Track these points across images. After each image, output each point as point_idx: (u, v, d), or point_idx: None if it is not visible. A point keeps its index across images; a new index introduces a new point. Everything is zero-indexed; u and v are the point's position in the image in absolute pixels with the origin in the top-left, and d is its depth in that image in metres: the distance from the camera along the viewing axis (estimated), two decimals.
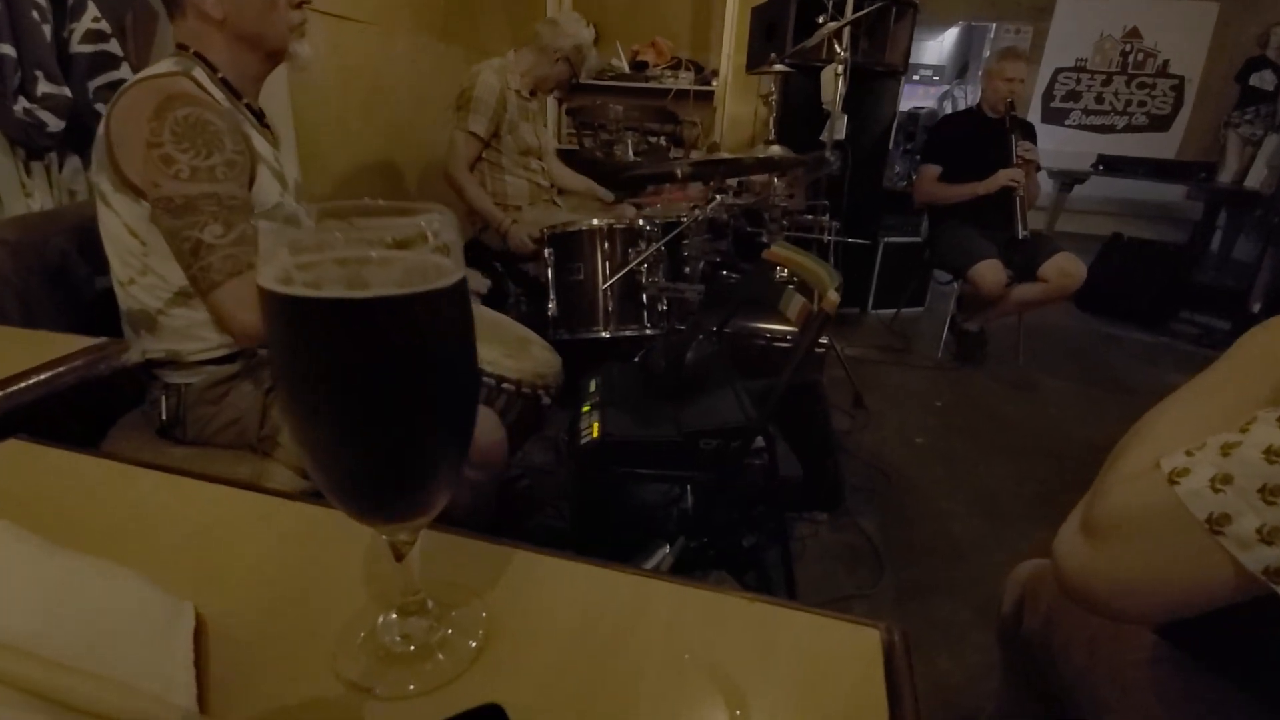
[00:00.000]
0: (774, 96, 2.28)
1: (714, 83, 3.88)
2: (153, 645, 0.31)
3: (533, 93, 2.45)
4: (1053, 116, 5.45)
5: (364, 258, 0.23)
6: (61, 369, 0.64)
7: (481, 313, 1.53)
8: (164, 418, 1.10)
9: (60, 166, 1.67)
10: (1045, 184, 4.61)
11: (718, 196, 1.81)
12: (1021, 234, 2.83)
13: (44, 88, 1.46)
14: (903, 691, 0.33)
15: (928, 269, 3.42)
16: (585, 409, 1.30)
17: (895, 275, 3.52)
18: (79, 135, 1.58)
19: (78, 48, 1.55)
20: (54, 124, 1.50)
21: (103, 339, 0.69)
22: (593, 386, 1.39)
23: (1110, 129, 5.39)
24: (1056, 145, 5.26)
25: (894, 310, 3.51)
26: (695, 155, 3.63)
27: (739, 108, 3.90)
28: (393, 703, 0.31)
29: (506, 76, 2.32)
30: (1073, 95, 5.40)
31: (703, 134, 3.94)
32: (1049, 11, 5.25)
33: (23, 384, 0.59)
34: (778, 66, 2.50)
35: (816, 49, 2.68)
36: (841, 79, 2.44)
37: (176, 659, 0.31)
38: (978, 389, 2.81)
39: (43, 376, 0.62)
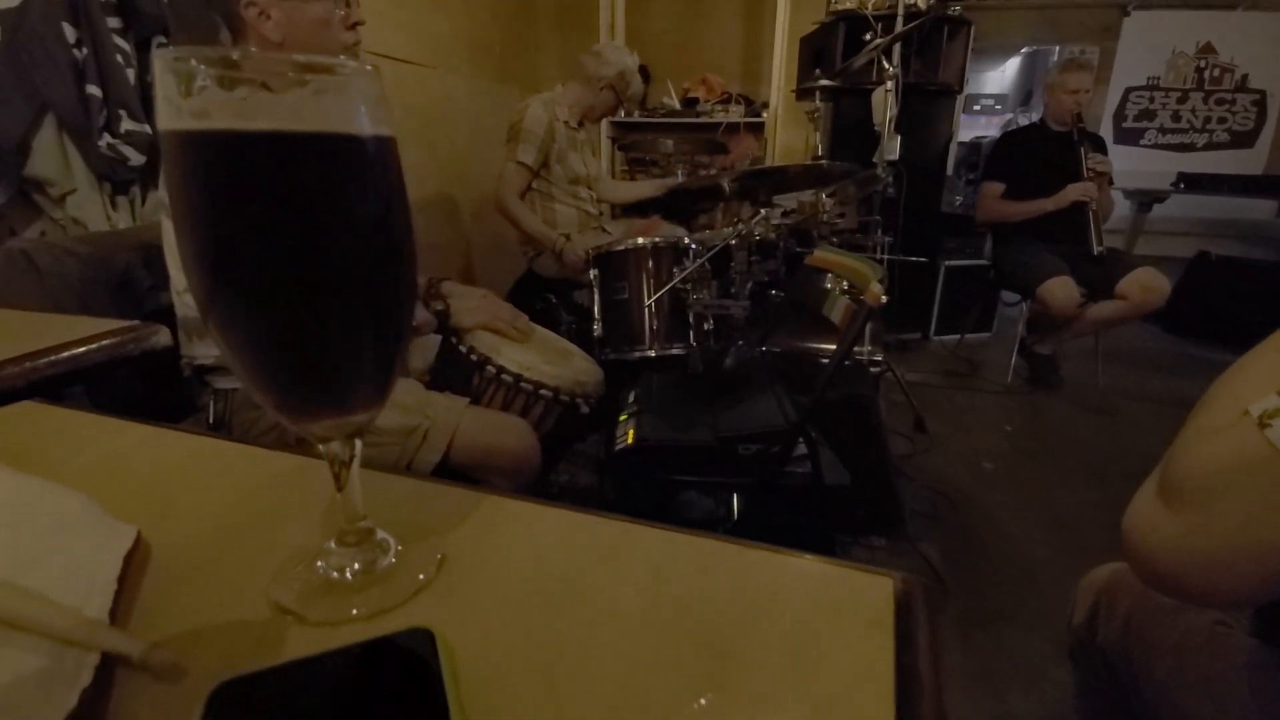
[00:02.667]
0: (819, 114, 2.26)
1: (764, 114, 3.89)
2: (77, 556, 0.29)
3: (581, 123, 2.51)
4: (1126, 137, 5.18)
5: (264, 90, 0.21)
6: (91, 347, 0.65)
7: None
8: (211, 420, 1.14)
9: (143, 200, 1.80)
10: (1122, 205, 4.37)
11: (762, 211, 1.77)
12: (1097, 250, 2.66)
13: (127, 125, 1.58)
14: (916, 641, 0.28)
15: (994, 291, 3.26)
16: (622, 418, 1.27)
17: (958, 299, 3.37)
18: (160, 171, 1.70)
19: None
20: (135, 158, 1.62)
21: (134, 323, 0.71)
22: (631, 397, 1.36)
23: (1190, 147, 5.07)
24: (1132, 165, 5.00)
25: (958, 335, 3.35)
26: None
27: (790, 137, 3.89)
28: (319, 628, 0.28)
29: (554, 109, 2.39)
30: (1146, 114, 5.13)
31: (754, 164, 3.94)
32: (1115, 31, 5.04)
33: (46, 359, 0.61)
34: (823, 82, 2.48)
35: (867, 70, 2.65)
36: (891, 98, 2.39)
37: (102, 572, 0.28)
38: (1052, 413, 2.63)
39: (71, 353, 0.63)
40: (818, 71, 2.54)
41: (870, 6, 2.84)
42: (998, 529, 1.79)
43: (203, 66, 0.21)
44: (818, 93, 2.73)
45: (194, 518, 0.36)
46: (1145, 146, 5.17)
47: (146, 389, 1.21)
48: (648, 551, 0.34)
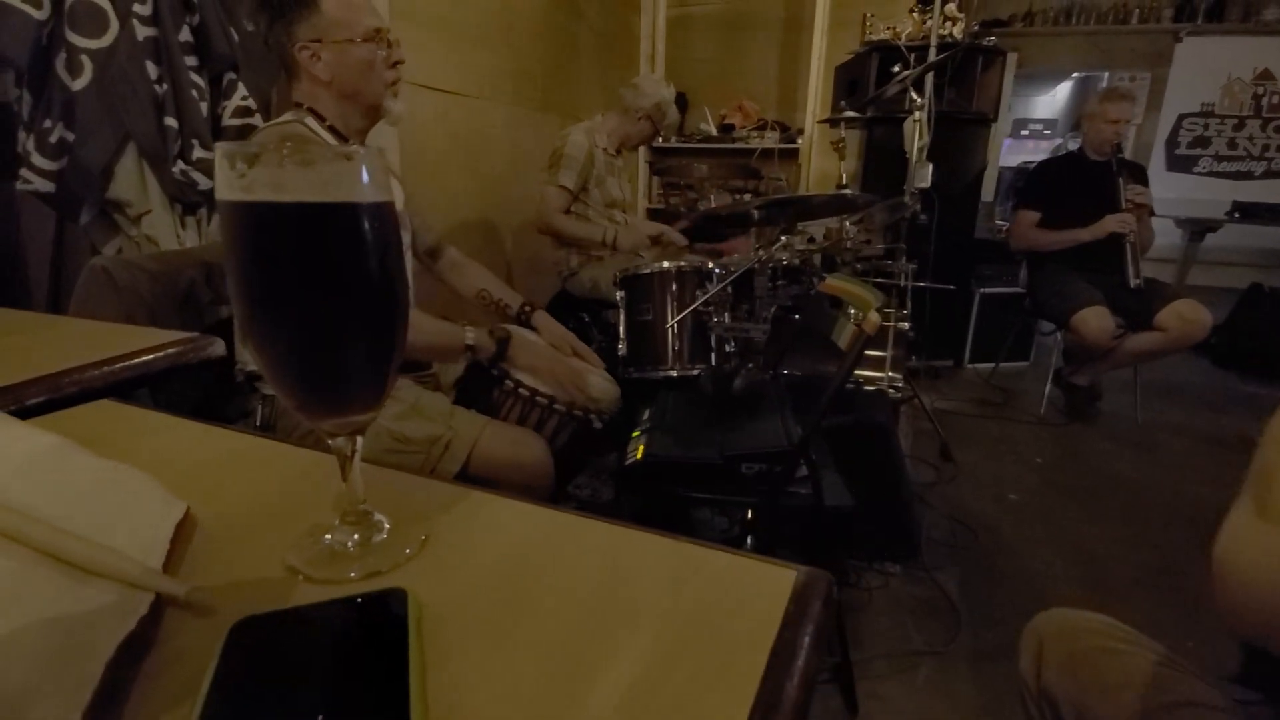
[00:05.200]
0: (843, 144, 2.32)
1: (799, 140, 3.95)
2: (141, 521, 0.37)
3: (618, 151, 2.61)
4: (1179, 164, 5.06)
5: (293, 169, 0.29)
6: (157, 354, 0.75)
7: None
8: (258, 423, 1.24)
9: (209, 220, 1.95)
10: (1173, 234, 4.25)
11: (783, 238, 1.83)
12: (1134, 283, 2.63)
13: (198, 153, 1.73)
14: (802, 621, 0.33)
15: (1030, 319, 3.22)
16: (635, 434, 1.33)
17: (993, 327, 3.34)
18: None
19: (229, 121, 1.83)
20: (204, 183, 1.77)
21: (194, 334, 0.81)
22: (646, 415, 1.42)
23: (1247, 175, 4.92)
24: (1185, 193, 4.88)
25: (993, 364, 3.31)
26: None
27: (824, 164, 3.94)
28: (320, 585, 0.35)
29: (594, 136, 2.50)
30: (1200, 141, 5.00)
31: (787, 189, 3.99)
32: (1167, 57, 4.95)
33: (121, 364, 0.71)
34: (848, 113, 2.54)
35: (900, 99, 2.68)
36: (920, 127, 2.42)
37: (158, 533, 0.36)
38: (1086, 446, 2.58)
39: (141, 360, 0.73)
40: (843, 103, 2.60)
41: (904, 38, 2.88)
42: (1019, 562, 1.78)
43: (249, 154, 0.28)
44: (843, 122, 2.78)
45: (230, 497, 0.44)
46: (1199, 174, 5.03)
47: (203, 392, 1.33)
48: (595, 540, 0.40)
